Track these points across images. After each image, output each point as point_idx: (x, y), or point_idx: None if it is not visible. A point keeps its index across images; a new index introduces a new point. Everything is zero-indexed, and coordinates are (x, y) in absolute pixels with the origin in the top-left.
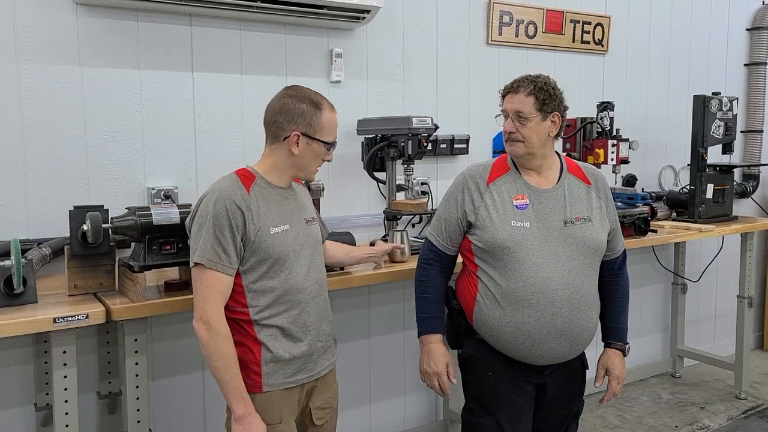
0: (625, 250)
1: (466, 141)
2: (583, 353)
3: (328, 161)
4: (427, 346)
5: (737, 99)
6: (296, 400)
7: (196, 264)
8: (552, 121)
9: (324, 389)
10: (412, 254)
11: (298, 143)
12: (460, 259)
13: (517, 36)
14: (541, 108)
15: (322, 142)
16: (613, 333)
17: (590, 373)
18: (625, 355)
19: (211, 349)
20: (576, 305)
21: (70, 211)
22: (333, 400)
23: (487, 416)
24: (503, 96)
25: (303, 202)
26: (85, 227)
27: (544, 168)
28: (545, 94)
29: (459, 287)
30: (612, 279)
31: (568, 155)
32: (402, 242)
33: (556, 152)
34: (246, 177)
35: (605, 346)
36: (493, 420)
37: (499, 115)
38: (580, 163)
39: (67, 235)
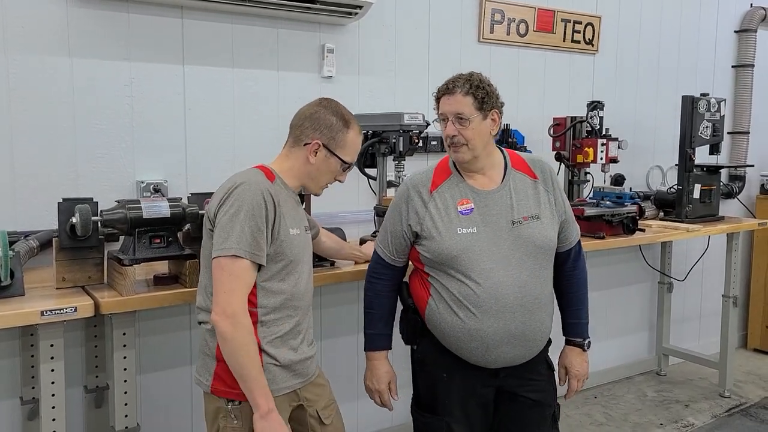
0: (580, 240)
1: None
2: (548, 354)
3: (340, 182)
4: (371, 362)
5: (725, 100)
6: (289, 404)
7: (232, 255)
8: (492, 119)
9: (320, 391)
10: None
11: (316, 153)
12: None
13: (508, 34)
14: (480, 107)
15: (341, 159)
16: (571, 329)
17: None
18: (584, 350)
19: (237, 344)
20: (529, 308)
21: (59, 203)
22: (331, 394)
23: (436, 417)
24: (438, 99)
25: (302, 209)
26: (74, 220)
27: (488, 168)
28: (483, 92)
29: (412, 286)
30: (568, 272)
31: (559, 155)
32: None
33: (499, 147)
34: (268, 174)
35: (565, 343)
36: (443, 422)
37: (436, 119)
38: (526, 156)
39: (55, 227)
